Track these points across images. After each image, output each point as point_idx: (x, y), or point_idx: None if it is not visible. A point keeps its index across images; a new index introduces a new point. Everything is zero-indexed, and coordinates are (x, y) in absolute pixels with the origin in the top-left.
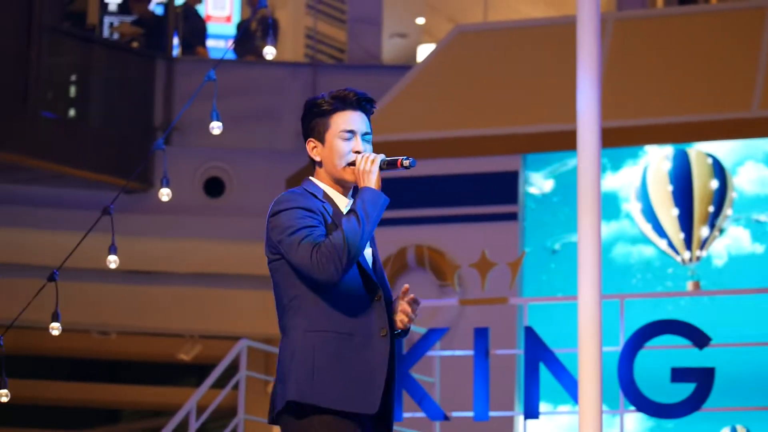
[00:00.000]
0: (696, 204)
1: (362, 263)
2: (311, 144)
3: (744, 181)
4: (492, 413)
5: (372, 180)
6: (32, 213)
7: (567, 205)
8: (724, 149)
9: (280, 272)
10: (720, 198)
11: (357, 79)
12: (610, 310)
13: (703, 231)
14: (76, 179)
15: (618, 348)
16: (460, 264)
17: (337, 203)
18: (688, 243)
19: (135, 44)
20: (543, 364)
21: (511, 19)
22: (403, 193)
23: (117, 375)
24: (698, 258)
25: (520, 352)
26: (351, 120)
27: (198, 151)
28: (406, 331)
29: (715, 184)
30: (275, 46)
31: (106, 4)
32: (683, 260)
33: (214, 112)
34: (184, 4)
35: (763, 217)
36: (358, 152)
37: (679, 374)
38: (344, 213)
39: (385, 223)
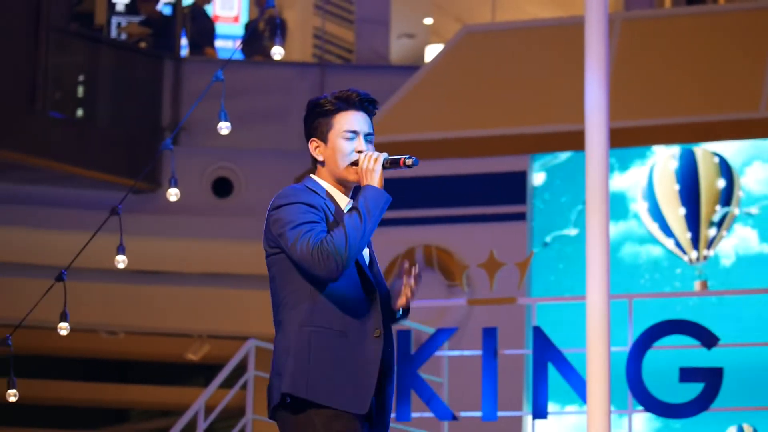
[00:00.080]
0: (703, 203)
1: (360, 263)
2: (314, 144)
3: (751, 181)
4: (500, 413)
5: (375, 178)
6: (40, 213)
7: (559, 198)
8: (731, 149)
9: (278, 266)
10: (727, 197)
11: (365, 80)
12: (618, 310)
13: (710, 230)
14: (84, 179)
15: (626, 348)
16: (469, 264)
17: (339, 202)
18: (695, 242)
19: (143, 44)
20: (551, 364)
21: (519, 19)
22: (411, 193)
23: (125, 375)
24: (705, 257)
25: (528, 352)
26: (354, 120)
27: (206, 151)
28: (407, 311)
29: (722, 183)
30: (283, 47)
31: (114, 5)
32: (690, 260)
33: (222, 112)
34: (193, 4)
35: (754, 210)
36: (360, 152)
37: (687, 374)
38: (346, 211)
39: (393, 223)
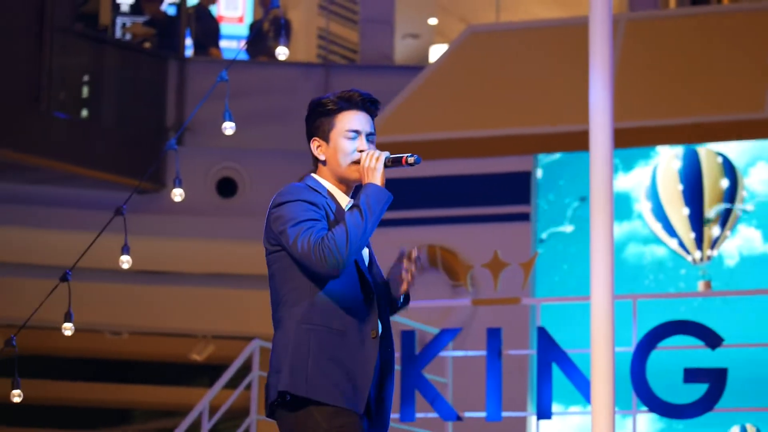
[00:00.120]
0: (706, 203)
1: (359, 263)
2: (315, 143)
3: (755, 181)
4: (504, 413)
5: (377, 177)
6: (45, 213)
7: (555, 195)
8: (735, 149)
9: (279, 264)
10: (730, 197)
11: (369, 80)
12: (622, 310)
13: (714, 230)
14: (89, 179)
15: (631, 348)
16: (473, 264)
17: (340, 201)
18: (699, 242)
19: (147, 45)
20: (555, 364)
21: (524, 19)
22: (415, 193)
23: (129, 375)
24: (709, 257)
25: (532, 352)
26: (356, 120)
27: (210, 151)
28: (407, 298)
29: (725, 183)
30: (288, 47)
31: (119, 5)
32: (694, 260)
33: (227, 112)
34: (198, 4)
35: (749, 207)
36: (362, 151)
37: (691, 375)
38: (347, 209)
39: (397, 223)
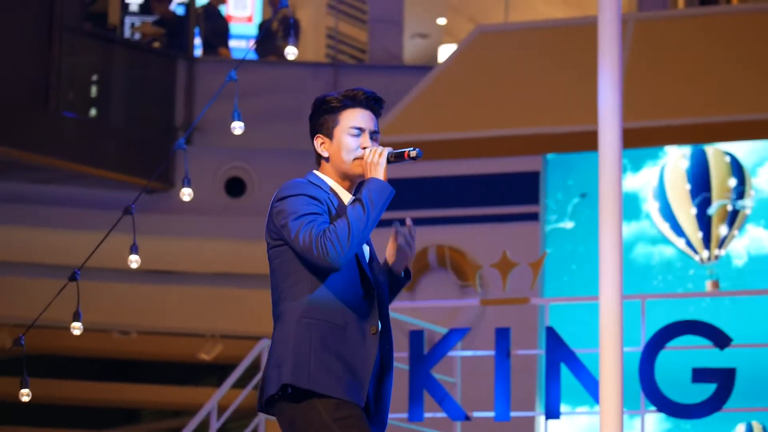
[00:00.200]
0: (714, 202)
1: (360, 259)
2: (319, 140)
3: (763, 181)
4: (513, 413)
5: (379, 171)
6: (53, 213)
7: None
8: (743, 149)
9: (280, 259)
10: (738, 196)
11: (378, 80)
12: (631, 310)
13: (722, 230)
14: (97, 179)
15: (639, 348)
16: (482, 264)
17: (342, 198)
18: (707, 242)
19: (156, 44)
20: (564, 364)
21: (532, 19)
22: (424, 193)
23: (138, 375)
24: (717, 257)
25: (541, 352)
26: (360, 117)
27: (219, 151)
28: (408, 273)
29: (733, 182)
30: (296, 46)
31: (127, 5)
32: (702, 259)
33: (236, 112)
34: (207, 4)
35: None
36: (365, 148)
37: (700, 375)
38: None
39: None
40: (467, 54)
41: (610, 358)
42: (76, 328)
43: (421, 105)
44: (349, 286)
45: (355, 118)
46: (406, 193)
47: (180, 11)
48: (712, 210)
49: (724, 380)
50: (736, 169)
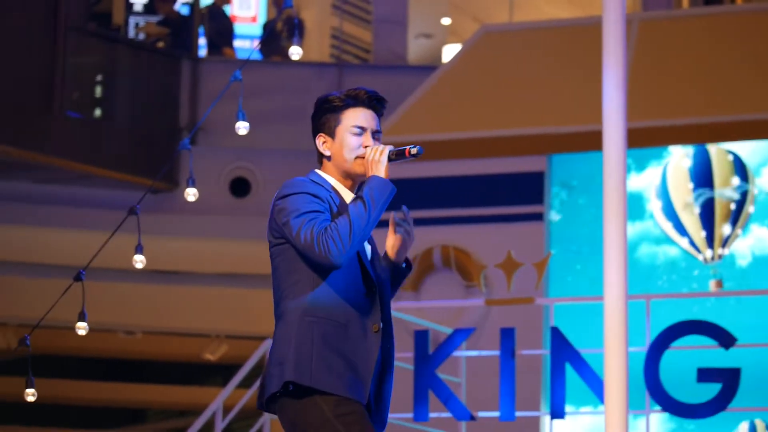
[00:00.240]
0: (717, 202)
1: (362, 256)
2: (321, 139)
3: (767, 181)
4: (518, 413)
5: (381, 169)
6: (58, 213)
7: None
8: (747, 149)
9: (282, 257)
10: (742, 196)
11: (382, 80)
12: (636, 310)
13: (725, 229)
14: (102, 179)
15: (644, 348)
16: (486, 264)
17: (344, 196)
18: (710, 241)
19: (160, 44)
20: (569, 364)
21: (537, 19)
22: (429, 193)
23: (143, 375)
24: (720, 256)
25: (546, 352)
26: (362, 116)
27: (224, 151)
28: (409, 263)
29: (736, 181)
30: (301, 47)
31: (132, 5)
32: (705, 259)
33: (240, 112)
34: (212, 4)
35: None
36: (367, 147)
37: (705, 374)
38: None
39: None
40: (472, 54)
41: (615, 358)
42: (82, 328)
43: (426, 105)
44: (351, 284)
45: (357, 117)
46: (411, 193)
47: (184, 11)
48: (699, 202)
49: (729, 380)
50: (739, 167)
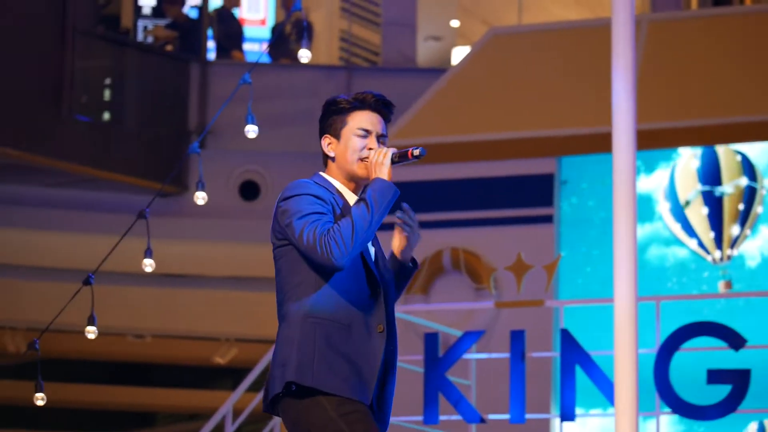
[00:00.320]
0: (726, 202)
1: (366, 258)
2: (326, 140)
3: None
4: (528, 416)
5: (384, 172)
6: (67, 217)
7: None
8: (755, 149)
9: (285, 258)
10: (750, 196)
11: (391, 82)
12: (645, 312)
13: (734, 230)
14: (111, 183)
15: (654, 350)
16: (496, 267)
17: (347, 198)
18: (719, 242)
19: (169, 47)
20: (579, 366)
21: (546, 21)
22: (438, 196)
23: (152, 378)
24: (729, 257)
25: (556, 354)
26: (368, 119)
27: (233, 154)
28: (415, 262)
29: (744, 181)
30: (310, 49)
31: (140, 8)
32: (714, 259)
33: (249, 115)
34: (221, 7)
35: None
36: (371, 149)
37: (715, 376)
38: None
39: (420, 226)
40: (481, 56)
41: (625, 360)
42: (91, 332)
43: (435, 108)
44: (355, 285)
45: (363, 119)
46: (421, 196)
47: (193, 14)
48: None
49: (738, 381)
50: (748, 168)
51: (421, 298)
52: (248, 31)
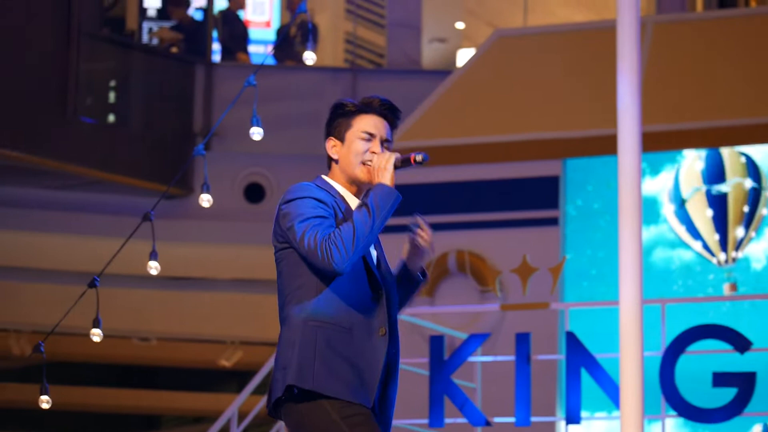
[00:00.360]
0: (730, 204)
1: (368, 261)
2: (331, 142)
3: None
4: (533, 418)
5: (387, 177)
6: (72, 219)
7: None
8: (761, 152)
9: (286, 261)
10: (755, 197)
11: (396, 84)
12: (651, 315)
13: (739, 232)
14: (116, 185)
15: (659, 353)
16: (501, 269)
17: (349, 202)
18: (723, 244)
19: (174, 49)
20: (584, 369)
21: (551, 23)
22: (443, 198)
23: (157, 381)
24: (734, 259)
25: (561, 357)
26: (372, 123)
27: (238, 156)
28: (425, 274)
29: (749, 183)
30: (315, 51)
31: (145, 10)
32: (719, 262)
33: (255, 117)
34: (226, 8)
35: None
36: (374, 153)
37: (720, 379)
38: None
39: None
40: (486, 58)
41: (631, 362)
42: (96, 334)
43: (440, 110)
44: (356, 288)
45: (368, 123)
46: (426, 198)
47: (198, 16)
48: (689, 194)
49: (744, 384)
50: (752, 169)
51: (427, 300)
52: (253, 33)
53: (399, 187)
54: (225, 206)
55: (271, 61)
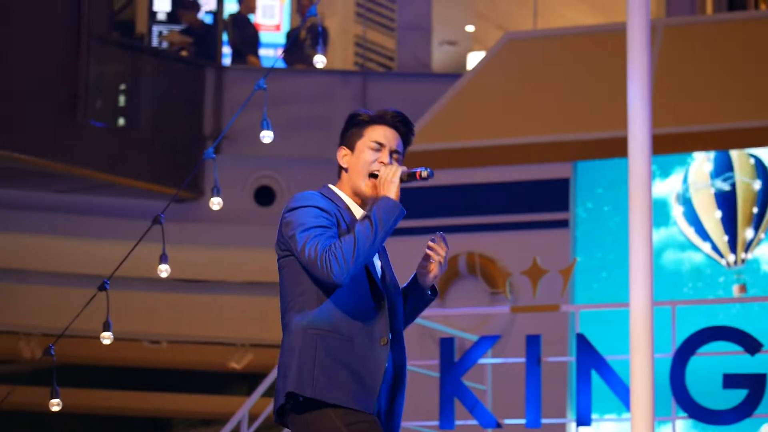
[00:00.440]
0: (739, 205)
1: (371, 270)
2: (342, 151)
3: None
4: (544, 420)
5: (392, 190)
6: (82, 222)
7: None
8: None
9: (288, 269)
10: (764, 198)
11: (406, 87)
12: (661, 316)
13: (748, 233)
14: (126, 188)
15: (670, 355)
16: (512, 271)
17: (354, 213)
18: (733, 246)
19: (184, 53)
20: (595, 371)
21: (561, 26)
22: (454, 200)
23: (167, 384)
24: (743, 261)
25: (572, 359)
26: (383, 134)
27: (248, 159)
28: (435, 290)
29: (758, 184)
30: (325, 55)
31: (155, 13)
32: (728, 263)
33: (265, 120)
34: (237, 12)
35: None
36: (383, 163)
37: (731, 380)
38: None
39: (436, 231)
40: (496, 61)
41: (641, 364)
42: (106, 337)
43: (450, 113)
44: (358, 297)
45: (378, 133)
46: (436, 201)
47: (208, 20)
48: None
49: (754, 385)
50: (761, 171)
51: (437, 302)
52: (263, 36)
53: (408, 190)
54: (235, 209)
55: (281, 64)
